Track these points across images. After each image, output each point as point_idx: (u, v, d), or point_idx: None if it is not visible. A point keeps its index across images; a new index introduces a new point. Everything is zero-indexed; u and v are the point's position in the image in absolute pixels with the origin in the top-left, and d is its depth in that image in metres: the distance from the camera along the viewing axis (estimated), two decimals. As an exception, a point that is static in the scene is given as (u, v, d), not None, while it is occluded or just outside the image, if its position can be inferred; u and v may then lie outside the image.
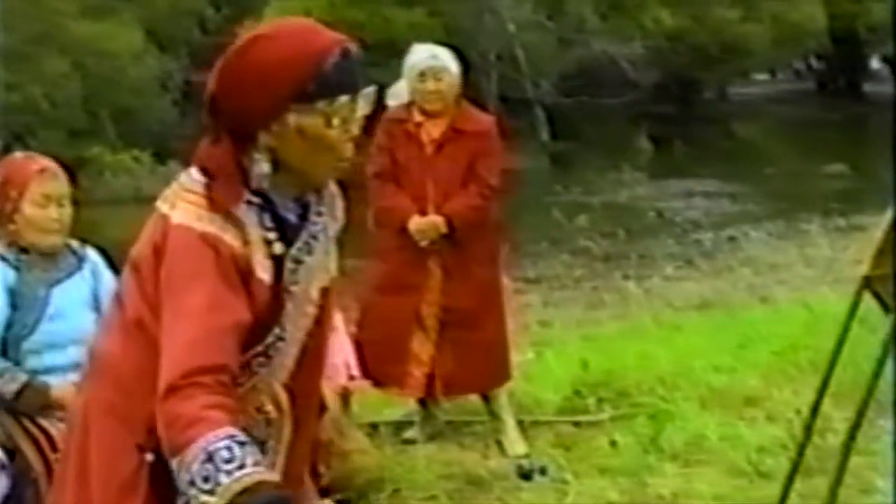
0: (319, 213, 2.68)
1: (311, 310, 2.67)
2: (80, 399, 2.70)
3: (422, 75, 6.09)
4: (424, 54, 6.19)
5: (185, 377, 2.37)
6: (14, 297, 4.20)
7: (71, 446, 2.68)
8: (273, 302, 2.56)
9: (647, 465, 5.60)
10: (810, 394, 4.39)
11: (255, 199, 2.56)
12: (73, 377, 3.73)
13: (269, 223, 2.57)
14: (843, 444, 4.12)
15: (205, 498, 2.31)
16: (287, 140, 2.53)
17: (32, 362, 4.21)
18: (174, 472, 2.37)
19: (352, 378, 5.62)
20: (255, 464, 2.33)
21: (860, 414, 4.04)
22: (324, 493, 4.22)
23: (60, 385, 4.12)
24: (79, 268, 4.34)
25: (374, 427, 6.26)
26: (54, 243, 4.29)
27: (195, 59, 24.36)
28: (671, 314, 10.43)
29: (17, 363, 4.19)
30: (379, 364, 5.91)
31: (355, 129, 2.58)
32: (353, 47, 2.55)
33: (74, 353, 4.08)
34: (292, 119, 2.51)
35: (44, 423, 4.16)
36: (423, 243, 6.03)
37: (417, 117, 6.12)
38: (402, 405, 6.60)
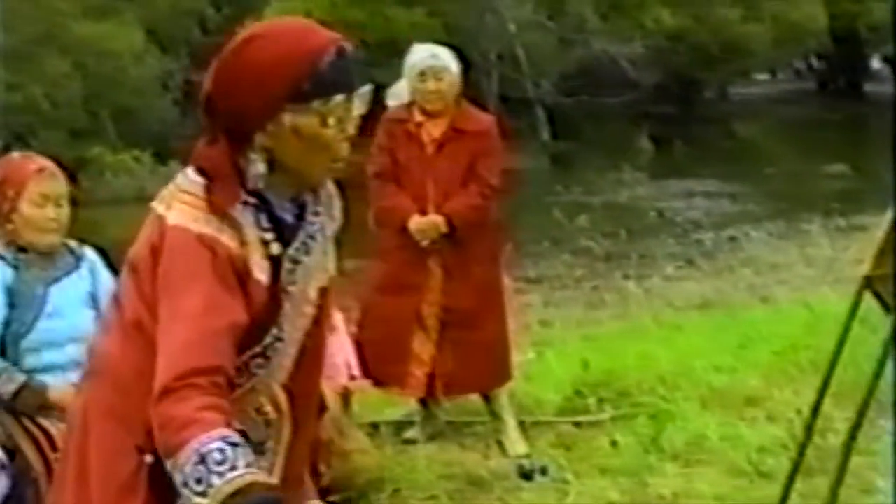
0: (317, 213, 2.68)
1: (310, 310, 2.67)
2: (79, 400, 2.70)
3: (422, 75, 6.09)
4: (425, 54, 6.19)
5: (180, 379, 2.37)
6: (12, 295, 4.21)
7: (70, 446, 2.68)
8: (271, 303, 2.56)
9: (647, 465, 5.60)
10: (811, 394, 4.40)
11: (252, 200, 2.56)
12: (72, 375, 3.74)
13: (265, 223, 2.57)
14: (844, 444, 4.12)
15: (197, 500, 2.31)
16: (283, 140, 2.52)
17: (31, 360, 4.21)
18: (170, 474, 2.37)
19: (353, 378, 5.62)
20: (248, 465, 2.32)
21: (861, 414, 4.04)
22: (324, 492, 4.21)
23: (59, 387, 4.12)
24: (76, 267, 4.35)
25: (374, 427, 6.26)
26: (52, 243, 4.30)
27: (196, 59, 24.32)
28: (672, 314, 10.43)
29: (16, 361, 4.20)
30: (379, 364, 5.91)
31: (351, 129, 2.57)
32: (349, 46, 2.55)
33: (73, 351, 4.09)
34: (288, 119, 2.51)
35: (44, 422, 4.16)
36: (424, 243, 6.03)
37: (418, 117, 6.12)
38: (402, 405, 6.60)
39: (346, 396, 5.59)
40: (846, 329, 4.15)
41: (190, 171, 2.57)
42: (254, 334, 2.54)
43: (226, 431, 2.34)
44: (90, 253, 4.43)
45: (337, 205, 2.76)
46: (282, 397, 2.66)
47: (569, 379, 6.77)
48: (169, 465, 2.36)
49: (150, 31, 26.43)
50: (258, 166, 2.54)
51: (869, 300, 4.15)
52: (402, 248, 6.07)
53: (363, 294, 6.26)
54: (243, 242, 2.52)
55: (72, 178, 4.49)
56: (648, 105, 31.61)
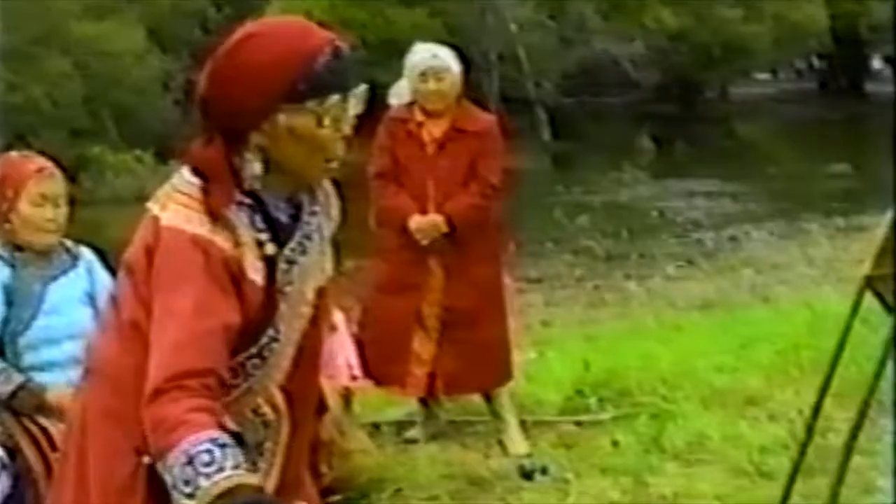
0: (313, 213, 2.67)
1: (306, 310, 2.66)
2: (78, 401, 2.70)
3: (423, 75, 6.09)
4: (426, 54, 6.19)
5: (170, 380, 2.37)
6: (9, 293, 4.21)
7: (70, 447, 2.68)
8: (266, 303, 2.55)
9: (648, 465, 5.60)
10: (812, 393, 4.39)
11: (247, 200, 2.55)
12: (71, 372, 3.73)
13: (260, 224, 2.56)
14: (845, 443, 4.12)
15: (186, 501, 2.31)
16: (278, 140, 2.52)
17: (29, 358, 4.21)
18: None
19: (354, 378, 5.62)
20: (235, 467, 2.32)
21: (862, 414, 4.05)
22: (326, 493, 4.21)
23: (57, 389, 4.11)
24: (73, 265, 4.36)
25: (375, 427, 6.26)
26: (50, 243, 4.30)
27: (197, 59, 24.28)
28: (673, 314, 10.43)
29: (15, 359, 4.20)
30: (380, 363, 5.91)
31: (347, 129, 2.56)
32: (345, 46, 2.54)
33: (71, 348, 4.09)
34: (283, 119, 2.50)
35: (44, 422, 4.16)
36: (424, 242, 6.03)
37: (419, 117, 6.12)
38: (403, 405, 6.60)
39: (347, 396, 5.59)
40: (847, 329, 4.15)
41: (185, 172, 2.56)
42: (249, 335, 2.53)
43: (214, 433, 2.33)
44: (87, 252, 4.43)
45: (334, 205, 2.75)
46: (279, 398, 2.66)
47: (570, 379, 6.77)
48: (159, 466, 2.37)
49: (151, 30, 26.45)
50: (254, 166, 2.53)
51: (870, 300, 4.15)
52: (403, 247, 6.07)
53: (364, 294, 6.26)
54: (238, 243, 2.52)
55: (70, 178, 4.49)
56: (649, 105, 31.66)
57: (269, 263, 2.57)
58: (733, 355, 7.14)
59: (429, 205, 6.06)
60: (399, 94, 6.23)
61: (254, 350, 2.57)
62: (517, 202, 9.86)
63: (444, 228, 6.02)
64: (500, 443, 6.07)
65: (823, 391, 4.23)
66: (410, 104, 6.15)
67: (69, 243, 4.41)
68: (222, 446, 2.33)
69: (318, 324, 2.71)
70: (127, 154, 23.65)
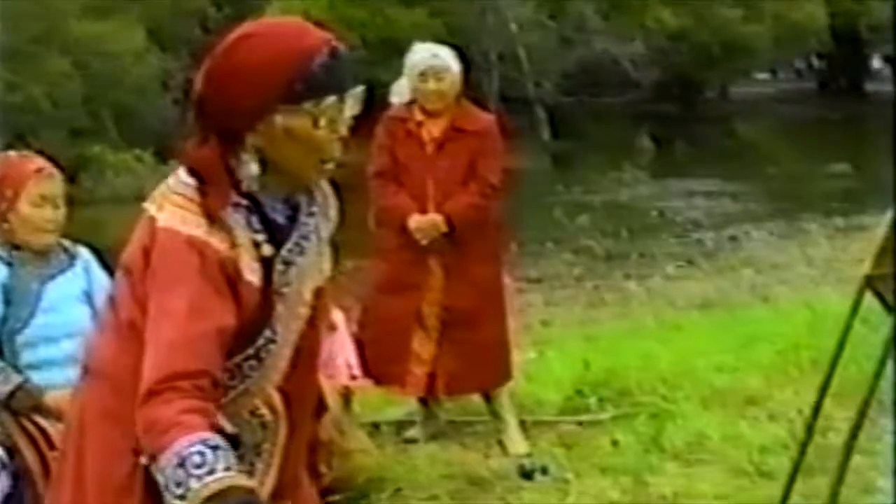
0: (311, 214, 2.66)
1: (304, 311, 2.65)
2: (76, 401, 2.69)
3: (423, 75, 6.09)
4: (426, 53, 6.19)
5: (163, 382, 2.37)
6: (7, 292, 4.21)
7: (68, 447, 2.68)
8: (263, 304, 2.55)
9: (648, 465, 5.60)
10: (812, 393, 4.39)
11: (243, 202, 2.55)
12: (69, 371, 3.73)
13: (256, 225, 2.56)
14: (845, 443, 4.12)
15: (177, 503, 2.31)
16: (274, 141, 2.51)
17: (27, 356, 4.21)
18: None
19: (353, 378, 5.62)
20: (227, 469, 2.32)
21: (862, 413, 4.04)
22: (325, 493, 4.21)
23: (56, 390, 4.11)
24: (71, 265, 4.36)
25: (375, 426, 6.26)
26: (48, 242, 4.31)
27: (197, 58, 24.22)
28: (673, 314, 10.43)
29: (13, 358, 4.20)
30: (380, 363, 5.91)
31: (343, 130, 2.56)
32: (341, 47, 2.54)
33: (69, 347, 4.10)
34: (279, 119, 2.50)
35: (42, 422, 4.15)
36: (423, 242, 6.03)
37: (418, 116, 6.12)
38: (403, 404, 6.60)
39: (346, 396, 5.59)
40: (847, 328, 4.15)
41: (181, 172, 2.55)
42: (246, 336, 2.53)
43: (206, 435, 2.33)
44: (84, 252, 4.44)
45: (332, 205, 2.74)
46: (277, 399, 2.65)
47: (569, 378, 6.77)
48: (152, 467, 2.37)
49: (150, 30, 26.45)
50: (250, 167, 2.52)
51: (870, 300, 4.15)
52: (403, 247, 6.07)
53: (364, 293, 6.26)
54: (234, 245, 2.51)
55: (70, 177, 4.49)
56: (649, 105, 31.66)
57: (266, 264, 2.56)
58: (733, 355, 7.14)
59: (428, 204, 6.06)
60: (400, 93, 6.22)
61: (251, 351, 2.57)
62: (517, 202, 9.85)
63: (444, 228, 6.02)
64: (500, 443, 6.07)
65: (823, 391, 4.23)
66: (410, 103, 6.15)
67: (66, 242, 4.41)
68: (214, 448, 2.32)
69: (315, 325, 2.70)
70: (127, 153, 23.66)
